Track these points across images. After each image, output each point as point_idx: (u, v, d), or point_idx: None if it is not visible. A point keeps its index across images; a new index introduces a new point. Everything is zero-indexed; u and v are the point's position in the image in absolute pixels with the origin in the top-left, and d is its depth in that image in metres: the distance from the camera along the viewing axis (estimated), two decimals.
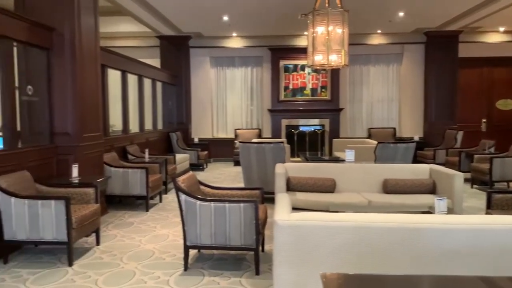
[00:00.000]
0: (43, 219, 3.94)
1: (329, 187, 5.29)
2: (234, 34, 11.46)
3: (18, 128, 4.82)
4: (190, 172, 4.31)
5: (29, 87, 4.94)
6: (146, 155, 7.38)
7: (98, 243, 4.59)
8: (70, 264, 3.97)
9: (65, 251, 4.13)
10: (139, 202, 6.54)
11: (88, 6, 5.60)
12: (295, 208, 3.63)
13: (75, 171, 5.02)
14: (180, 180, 3.92)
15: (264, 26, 10.40)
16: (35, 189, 4.50)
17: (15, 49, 4.77)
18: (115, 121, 7.58)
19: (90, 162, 5.57)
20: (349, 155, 6.31)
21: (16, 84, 4.78)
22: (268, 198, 4.82)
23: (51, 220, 3.93)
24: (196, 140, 11.59)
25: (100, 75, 6.02)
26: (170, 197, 7.13)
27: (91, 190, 4.57)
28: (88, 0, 5.60)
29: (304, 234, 2.59)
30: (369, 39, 11.46)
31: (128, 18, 9.52)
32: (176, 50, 11.45)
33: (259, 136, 11.52)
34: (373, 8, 8.70)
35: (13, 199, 3.97)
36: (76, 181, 4.89)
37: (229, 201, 3.74)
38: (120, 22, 10.42)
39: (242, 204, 3.69)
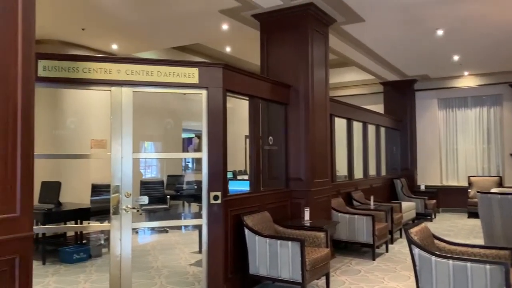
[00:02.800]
0: (281, 258, 4.31)
1: None
2: (466, 73, 10.56)
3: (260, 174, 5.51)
4: (423, 224, 4.05)
5: (270, 137, 5.62)
6: (371, 202, 7.32)
7: (328, 287, 4.71)
8: None
9: None
10: (364, 250, 6.48)
11: (320, 62, 6.11)
12: None
13: (306, 214, 5.36)
14: (413, 232, 3.72)
15: (502, 61, 9.26)
16: (273, 229, 4.99)
17: (260, 105, 5.55)
18: (339, 166, 7.84)
19: (319, 207, 5.87)
20: None
21: (260, 135, 5.52)
22: None
23: (288, 260, 4.26)
24: (422, 187, 10.90)
25: (329, 124, 6.40)
26: (397, 248, 6.83)
27: (321, 234, 4.78)
28: (320, 57, 6.11)
29: None
30: None
31: (353, 68, 9.93)
32: (401, 94, 11.25)
33: (500, 185, 10.02)
34: None
35: (257, 237, 4.49)
36: (308, 224, 5.20)
37: (471, 260, 3.33)
38: (345, 73, 10.96)
39: (488, 266, 3.23)
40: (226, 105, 4.64)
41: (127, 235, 4.30)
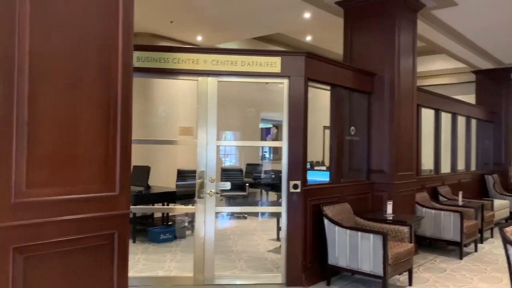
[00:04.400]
0: (361, 250, 4.23)
1: None
2: None
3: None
4: None
5: (352, 128, 5.49)
6: (460, 198, 6.88)
7: (410, 283, 4.53)
8: None
9: (378, 285, 4.27)
10: (450, 248, 6.12)
11: (407, 49, 5.82)
12: None
13: (389, 208, 5.19)
14: (509, 231, 3.43)
15: None
16: (354, 221, 4.90)
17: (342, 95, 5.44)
18: (424, 160, 7.44)
19: (403, 200, 5.64)
20: None
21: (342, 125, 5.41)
22: None
23: (369, 252, 4.17)
24: None
25: (415, 115, 6.10)
26: (487, 247, 6.36)
27: (405, 229, 4.60)
28: (407, 44, 5.83)
29: None
30: None
31: (443, 56, 9.34)
32: (495, 84, 10.35)
33: None
34: None
35: (337, 227, 4.44)
36: (390, 218, 5.03)
37: None
38: (434, 61, 10.35)
39: None
40: (307, 94, 4.62)
41: (211, 219, 4.49)
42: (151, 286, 4.40)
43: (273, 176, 9.12)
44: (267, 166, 10.64)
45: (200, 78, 4.50)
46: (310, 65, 4.61)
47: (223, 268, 4.91)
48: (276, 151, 11.05)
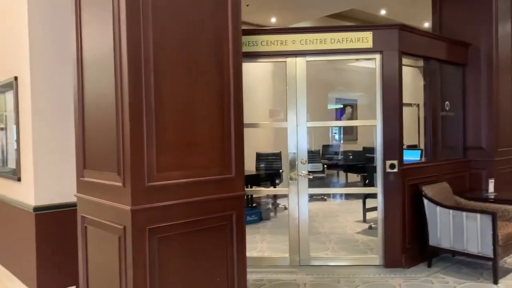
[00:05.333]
0: (467, 231, 4.01)
1: None
2: None
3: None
4: None
5: (447, 103, 5.19)
6: None
7: None
8: (495, 282, 3.86)
9: (485, 267, 4.06)
10: None
11: (506, 16, 5.37)
12: None
13: (491, 186, 4.88)
14: None
15: None
16: (454, 200, 4.66)
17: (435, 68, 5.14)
18: None
19: (505, 178, 5.28)
20: None
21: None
22: None
23: (476, 233, 3.94)
24: None
25: None
26: None
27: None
28: (506, 10, 5.36)
29: None
30: None
31: None
32: None
33: None
34: None
35: (438, 208, 4.24)
36: (492, 197, 4.73)
37: None
38: None
39: None
40: (401, 69, 4.41)
41: (304, 200, 4.48)
42: (250, 266, 4.49)
43: (351, 156, 8.94)
44: (337, 147, 10.43)
45: (288, 59, 4.45)
46: (404, 38, 4.39)
47: (314, 249, 4.90)
48: (351, 131, 10.80)
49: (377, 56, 4.40)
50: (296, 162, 4.47)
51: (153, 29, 2.31)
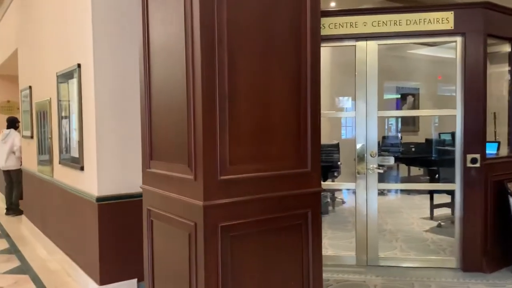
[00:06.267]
0: None
1: None
2: None
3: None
4: None
5: None
6: None
7: None
8: None
9: None
10: None
11: None
12: None
13: None
14: None
15: None
16: None
17: None
18: None
19: None
20: None
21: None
22: None
23: None
24: None
25: None
26: None
27: None
28: None
29: None
30: None
31: None
32: None
33: None
34: None
35: None
36: None
37: None
38: None
39: None
40: (486, 52, 3.95)
41: (373, 196, 4.16)
42: None
43: (413, 149, 8.42)
44: (396, 138, 9.90)
45: (358, 43, 4.12)
46: (490, 18, 3.92)
47: (381, 248, 4.57)
48: (412, 121, 10.22)
49: (458, 39, 3.97)
50: (365, 155, 4.15)
51: (227, 8, 2.09)
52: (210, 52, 2.06)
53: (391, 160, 4.31)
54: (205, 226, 2.06)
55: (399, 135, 9.82)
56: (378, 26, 4.01)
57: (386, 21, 4.00)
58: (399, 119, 10.36)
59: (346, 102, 8.51)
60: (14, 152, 6.85)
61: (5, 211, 7.24)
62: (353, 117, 4.22)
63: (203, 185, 2.06)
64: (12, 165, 6.88)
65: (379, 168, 4.16)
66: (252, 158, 2.21)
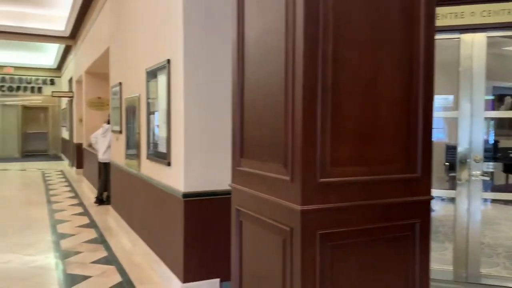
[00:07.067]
0: None
1: None
2: None
3: None
4: None
5: None
6: None
7: None
8: None
9: None
10: None
11: None
12: None
13: None
14: None
15: None
16: None
17: None
18: None
19: None
20: None
21: None
22: None
23: None
24: None
25: None
26: None
27: None
28: None
29: None
30: None
31: None
32: None
33: None
34: None
35: None
36: None
37: None
38: None
39: None
40: None
41: (476, 206, 3.73)
42: None
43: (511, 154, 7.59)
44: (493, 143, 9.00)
45: (463, 36, 3.70)
46: None
47: (481, 263, 4.11)
48: (508, 125, 9.27)
49: None
50: (468, 160, 3.73)
51: None
52: (313, 43, 1.87)
53: (498, 166, 3.83)
54: (302, 232, 1.88)
55: (496, 139, 8.94)
56: (488, 16, 3.57)
57: (498, 10, 3.55)
58: (493, 122, 9.46)
59: (444, 101, 7.90)
60: (109, 146, 7.18)
61: (94, 199, 7.63)
62: (449, 118, 3.82)
63: (301, 188, 1.88)
64: (107, 158, 7.21)
65: (484, 175, 3.72)
66: (355, 160, 1.99)
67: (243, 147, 2.42)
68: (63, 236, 5.53)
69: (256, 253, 2.32)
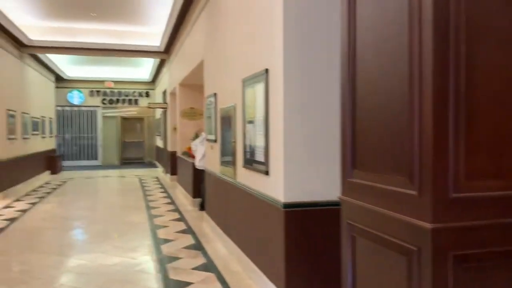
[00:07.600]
0: None
1: None
2: None
3: None
4: None
5: None
6: None
7: None
8: None
9: None
10: None
11: None
12: None
13: None
14: None
15: None
16: None
17: None
18: None
19: None
20: None
21: None
22: None
23: None
24: None
25: None
26: None
27: None
28: None
29: None
30: None
31: None
32: None
33: None
34: None
35: None
36: None
37: None
38: None
39: None
40: None
41: None
42: None
43: None
44: None
45: None
46: None
47: None
48: None
49: None
50: None
51: None
52: (443, 43, 1.69)
53: None
54: (433, 253, 1.70)
55: None
56: None
57: None
58: None
59: None
60: (204, 154, 7.37)
61: (198, 207, 7.87)
62: None
63: (432, 204, 1.70)
64: (202, 165, 7.40)
65: None
66: (493, 172, 1.76)
67: (355, 157, 2.29)
68: (163, 241, 5.77)
69: (371, 271, 2.16)
